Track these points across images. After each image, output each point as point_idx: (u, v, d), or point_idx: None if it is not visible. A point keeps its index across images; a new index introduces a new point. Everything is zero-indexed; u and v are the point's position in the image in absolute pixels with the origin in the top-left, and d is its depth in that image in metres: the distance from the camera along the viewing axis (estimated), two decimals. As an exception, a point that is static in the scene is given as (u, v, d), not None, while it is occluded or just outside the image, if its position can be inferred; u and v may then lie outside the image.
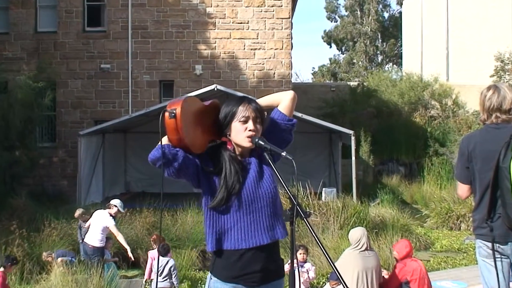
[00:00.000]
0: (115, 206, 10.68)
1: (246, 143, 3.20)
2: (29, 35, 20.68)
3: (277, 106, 3.40)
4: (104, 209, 10.90)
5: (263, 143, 3.12)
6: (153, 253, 9.82)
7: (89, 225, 10.70)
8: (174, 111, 3.02)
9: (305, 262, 8.49)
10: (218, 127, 3.28)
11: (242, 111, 3.20)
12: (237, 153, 3.26)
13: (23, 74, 18.22)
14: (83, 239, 10.83)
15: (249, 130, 3.18)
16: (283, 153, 3.04)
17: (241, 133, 3.20)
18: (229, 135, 3.25)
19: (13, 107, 16.76)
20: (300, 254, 8.35)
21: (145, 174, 19.84)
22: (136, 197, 17.25)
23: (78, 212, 11.69)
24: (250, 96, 3.38)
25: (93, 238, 10.44)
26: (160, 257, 9.27)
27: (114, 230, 10.38)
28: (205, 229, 3.27)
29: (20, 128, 17.27)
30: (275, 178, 3.25)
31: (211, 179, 3.21)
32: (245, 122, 3.19)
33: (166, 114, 3.03)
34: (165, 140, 3.09)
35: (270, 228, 3.19)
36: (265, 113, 3.33)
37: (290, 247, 2.90)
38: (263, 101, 3.42)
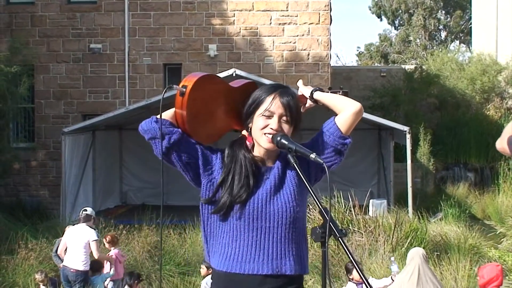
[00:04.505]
0: (92, 216, 11.17)
1: (264, 143, 3.27)
2: (-1, 7, 20.91)
3: (336, 114, 3.43)
4: (78, 223, 11.21)
5: (286, 142, 3.16)
6: (113, 252, 11.12)
7: (64, 244, 10.89)
8: (184, 90, 3.15)
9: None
10: (242, 114, 3.37)
11: (268, 103, 3.26)
12: (259, 154, 3.33)
13: (-9, 56, 18.41)
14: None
15: (270, 128, 3.23)
16: (312, 155, 3.05)
17: (260, 129, 3.26)
18: (250, 127, 3.32)
19: (-21, 98, 16.95)
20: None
21: (145, 182, 19.94)
22: (134, 210, 17.34)
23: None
24: (290, 87, 3.40)
25: (75, 260, 10.59)
26: None
27: (94, 246, 10.60)
28: (202, 234, 3.38)
29: (-12, 124, 17.48)
30: (303, 197, 3.29)
31: (214, 175, 3.29)
32: (269, 117, 3.24)
33: (177, 90, 3.18)
34: (168, 114, 3.28)
35: (276, 257, 3.21)
36: (300, 112, 3.35)
37: (322, 274, 2.87)
38: (328, 100, 3.44)
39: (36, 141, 20.97)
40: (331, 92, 3.56)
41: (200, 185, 3.31)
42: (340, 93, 3.57)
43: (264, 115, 3.24)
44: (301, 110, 3.53)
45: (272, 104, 3.24)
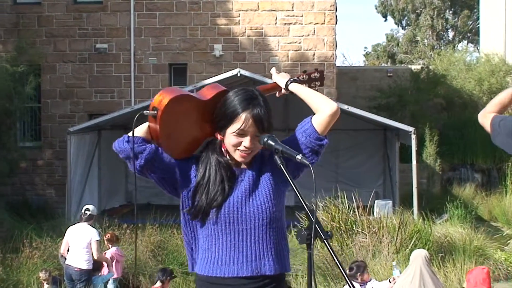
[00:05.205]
0: (93, 215, 11.25)
1: (238, 158, 3.28)
2: (6, 7, 20.93)
3: (314, 113, 3.42)
4: (79, 222, 11.26)
5: (273, 143, 3.16)
6: (111, 252, 11.31)
7: (66, 244, 10.93)
8: (155, 113, 3.17)
9: (368, 280, 8.66)
10: (213, 121, 3.34)
11: (240, 123, 3.22)
12: (232, 159, 3.32)
13: (-2, 56, 18.46)
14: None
15: (244, 147, 3.24)
16: (298, 156, 3.05)
17: (232, 146, 3.26)
18: (223, 137, 3.30)
19: (-15, 97, 17.00)
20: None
21: (150, 181, 19.86)
22: (139, 210, 17.36)
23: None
24: (260, 98, 3.31)
25: (78, 259, 10.64)
26: None
27: (95, 246, 10.63)
28: (186, 242, 3.42)
29: (-5, 123, 17.52)
30: (280, 197, 3.29)
31: (191, 185, 3.31)
32: (241, 136, 3.23)
33: (149, 113, 3.20)
34: (142, 129, 3.28)
35: (255, 258, 3.22)
36: (271, 119, 3.30)
37: (308, 276, 2.87)
38: (305, 95, 3.44)
39: (42, 140, 21.03)
40: (306, 75, 3.54)
41: (179, 196, 3.34)
42: (316, 74, 3.55)
43: (236, 133, 3.22)
44: (276, 95, 3.59)
45: (245, 124, 3.20)
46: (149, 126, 3.25)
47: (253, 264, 3.21)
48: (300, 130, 3.38)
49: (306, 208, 2.91)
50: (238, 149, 3.23)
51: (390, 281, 8.40)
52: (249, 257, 3.20)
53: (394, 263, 9.42)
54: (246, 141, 3.22)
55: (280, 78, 3.53)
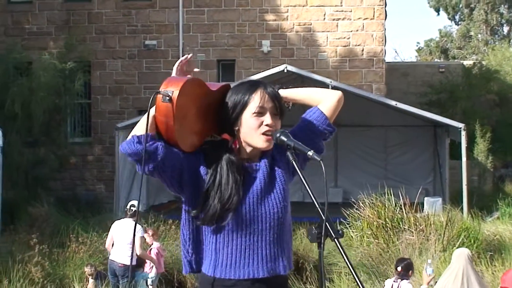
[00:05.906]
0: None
1: (262, 143, 3.14)
2: (57, 4, 21.25)
3: (315, 105, 3.36)
4: (124, 217, 11.31)
5: (285, 139, 3.05)
6: (156, 246, 11.37)
7: (111, 239, 11.00)
8: (170, 94, 2.96)
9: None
10: (221, 119, 3.20)
11: (258, 100, 3.13)
12: (244, 156, 3.19)
13: (49, 53, 18.66)
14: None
15: (266, 125, 3.11)
16: (310, 152, 2.96)
17: (255, 129, 3.12)
18: (237, 131, 3.17)
19: (35, 93, 17.20)
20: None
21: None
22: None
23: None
24: (265, 81, 3.31)
25: (122, 254, 10.69)
26: None
27: (138, 242, 10.66)
28: (182, 243, 3.24)
29: (45, 119, 17.75)
30: (288, 193, 3.19)
31: (200, 184, 3.13)
32: (261, 114, 3.12)
33: (159, 96, 2.99)
34: (144, 127, 3.01)
35: (270, 259, 3.12)
36: (286, 105, 3.27)
37: (319, 275, 2.78)
38: (299, 94, 3.41)
39: (92, 136, 21.31)
40: None
41: (184, 194, 3.16)
42: (289, 108, 3.47)
43: (255, 113, 3.11)
44: None
45: (262, 100, 3.11)
46: (156, 119, 3.04)
47: (268, 265, 3.11)
48: (309, 118, 3.31)
49: (317, 204, 2.81)
50: (262, 133, 3.10)
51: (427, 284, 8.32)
52: (264, 258, 3.10)
53: (429, 261, 9.24)
54: (267, 119, 3.10)
55: None
